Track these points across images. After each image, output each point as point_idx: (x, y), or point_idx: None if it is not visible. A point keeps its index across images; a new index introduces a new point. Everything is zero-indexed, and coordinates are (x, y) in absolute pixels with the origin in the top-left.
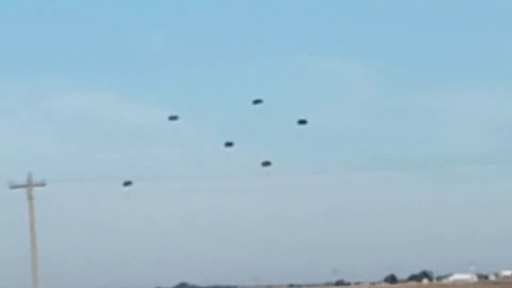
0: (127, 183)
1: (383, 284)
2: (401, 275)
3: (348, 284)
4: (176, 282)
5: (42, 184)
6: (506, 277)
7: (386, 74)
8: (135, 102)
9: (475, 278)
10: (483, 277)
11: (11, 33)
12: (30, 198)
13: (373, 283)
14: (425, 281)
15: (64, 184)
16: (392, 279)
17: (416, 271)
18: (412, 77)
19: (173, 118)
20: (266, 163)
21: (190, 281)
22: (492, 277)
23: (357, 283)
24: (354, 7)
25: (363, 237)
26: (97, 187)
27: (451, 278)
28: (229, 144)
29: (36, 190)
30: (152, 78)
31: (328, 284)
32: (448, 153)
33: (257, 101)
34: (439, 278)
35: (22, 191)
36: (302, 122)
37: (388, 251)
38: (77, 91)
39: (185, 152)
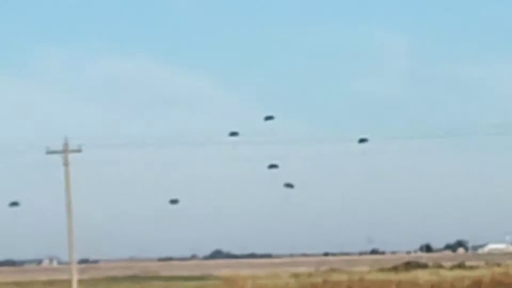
0: (174, 201)
1: (418, 253)
2: (437, 244)
3: (383, 253)
4: (211, 250)
5: (78, 150)
6: None
7: (428, 44)
8: (172, 68)
9: (511, 248)
10: None
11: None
12: (66, 164)
13: (408, 252)
14: (460, 250)
15: (101, 150)
16: (427, 248)
17: (452, 240)
18: (454, 47)
19: (269, 118)
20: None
21: (225, 248)
22: None
23: (392, 252)
24: None
25: (398, 206)
26: (134, 153)
27: (487, 248)
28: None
29: (72, 156)
30: (189, 43)
31: (363, 253)
32: (490, 122)
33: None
34: (475, 248)
35: (58, 156)
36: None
37: (424, 220)
38: (114, 57)
39: (222, 118)
